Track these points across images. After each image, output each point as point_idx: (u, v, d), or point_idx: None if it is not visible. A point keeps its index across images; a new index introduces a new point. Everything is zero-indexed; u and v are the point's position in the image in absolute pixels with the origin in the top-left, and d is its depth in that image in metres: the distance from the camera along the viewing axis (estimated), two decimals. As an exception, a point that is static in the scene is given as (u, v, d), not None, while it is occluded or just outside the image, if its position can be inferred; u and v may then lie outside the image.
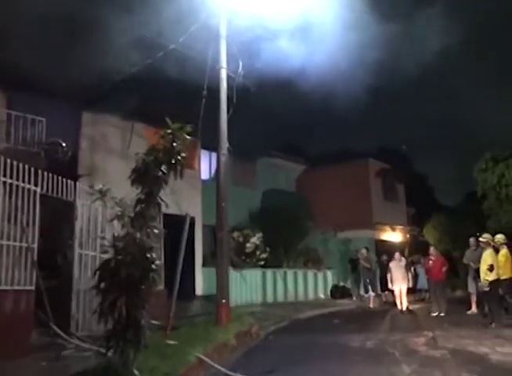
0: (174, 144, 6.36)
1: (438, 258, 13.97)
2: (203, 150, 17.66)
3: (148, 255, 6.25)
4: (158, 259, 12.83)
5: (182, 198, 14.09)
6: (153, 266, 6.25)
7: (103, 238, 7.91)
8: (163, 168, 6.42)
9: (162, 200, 6.53)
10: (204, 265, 16.53)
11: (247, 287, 16.85)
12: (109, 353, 5.92)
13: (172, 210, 13.00)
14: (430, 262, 13.92)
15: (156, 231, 6.36)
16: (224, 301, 10.31)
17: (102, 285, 6.07)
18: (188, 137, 6.48)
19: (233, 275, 16.25)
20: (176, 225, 10.58)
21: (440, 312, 13.03)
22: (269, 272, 17.91)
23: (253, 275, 17.19)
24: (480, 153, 18.76)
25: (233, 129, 18.16)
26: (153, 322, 8.25)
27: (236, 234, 17.30)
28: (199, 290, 15.98)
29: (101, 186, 6.59)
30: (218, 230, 10.76)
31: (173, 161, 6.33)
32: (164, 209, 13.30)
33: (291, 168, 24.19)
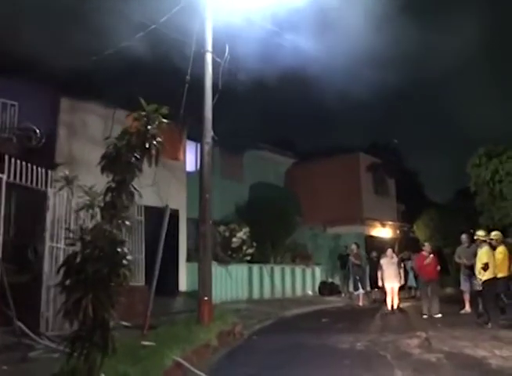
0: (149, 127, 5.78)
1: (432, 256, 13.31)
2: (189, 140, 17.00)
3: (118, 249, 5.64)
4: (139, 253, 12.39)
5: (166, 190, 13.52)
6: (124, 262, 5.65)
7: (69, 230, 7.29)
8: (136, 153, 5.83)
9: (135, 189, 5.93)
10: (188, 260, 15.92)
11: (233, 283, 16.32)
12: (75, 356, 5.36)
13: (155, 202, 12.47)
14: (427, 260, 13.01)
15: (127, 223, 5.75)
16: (206, 298, 9.73)
17: (68, 282, 5.51)
18: (164, 120, 5.89)
19: (218, 270, 15.74)
20: (159, 218, 10.01)
21: (435, 314, 12.29)
22: (256, 268, 17.39)
23: (239, 270, 16.66)
24: (470, 150, 18.43)
25: (221, 120, 17.57)
26: (124, 323, 7.70)
27: (222, 228, 16.77)
28: (182, 285, 15.39)
29: (67, 173, 5.99)
30: (201, 223, 10.19)
31: (147, 146, 5.74)
32: (146, 201, 12.74)
33: (280, 161, 23.64)
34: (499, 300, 10.46)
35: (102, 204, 5.82)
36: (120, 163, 5.82)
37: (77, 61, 11.24)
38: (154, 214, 11.41)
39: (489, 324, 9.98)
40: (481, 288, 10.71)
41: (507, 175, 16.81)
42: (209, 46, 10.39)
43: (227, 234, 16.65)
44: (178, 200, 15.10)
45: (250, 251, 16.98)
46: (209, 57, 10.35)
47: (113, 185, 5.85)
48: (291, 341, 9.18)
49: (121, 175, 5.84)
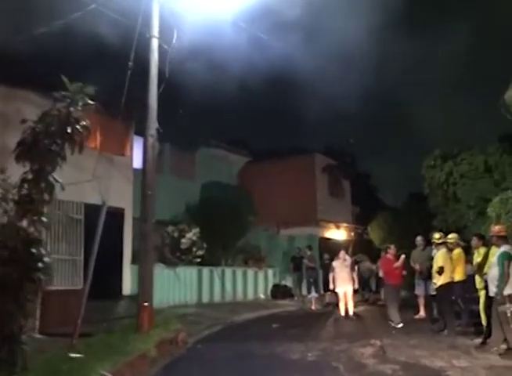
0: (72, 109, 5.03)
1: (403, 257, 12.09)
2: (138, 136, 16.07)
3: (33, 250, 4.88)
4: (77, 254, 11.45)
5: (110, 187, 12.60)
6: (40, 264, 4.89)
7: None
8: (57, 139, 5.08)
9: (56, 180, 5.16)
10: (134, 261, 15.01)
11: (181, 286, 15.53)
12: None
13: (98, 200, 11.51)
14: (397, 263, 11.69)
15: (44, 219, 4.98)
16: (146, 304, 8.95)
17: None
18: (90, 102, 5.16)
19: (166, 273, 14.98)
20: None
21: (399, 323, 10.90)
22: (206, 271, 16.64)
23: (188, 273, 15.87)
24: (423, 154, 18.31)
25: (172, 115, 16.70)
26: (37, 336, 6.90)
27: (170, 229, 15.94)
28: (127, 289, 14.44)
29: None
30: (143, 222, 9.40)
31: (69, 131, 4.99)
32: (87, 198, 11.82)
33: (234, 160, 22.93)
34: (456, 304, 10.10)
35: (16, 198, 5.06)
36: (38, 150, 5.07)
37: (10, 42, 10.29)
38: (97, 212, 10.52)
39: (445, 331, 9.58)
40: (435, 293, 10.34)
41: (461, 178, 16.65)
42: (155, 31, 9.63)
43: (176, 235, 15.84)
44: (123, 198, 14.19)
45: (200, 252, 16.21)
46: (155, 43, 9.60)
47: (30, 176, 5.09)
48: (239, 350, 8.52)
49: (39, 165, 5.08)
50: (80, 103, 5.01)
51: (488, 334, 8.14)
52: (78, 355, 6.73)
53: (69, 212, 11.28)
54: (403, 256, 12.08)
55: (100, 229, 8.39)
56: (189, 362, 8.01)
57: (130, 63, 9.20)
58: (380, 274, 14.88)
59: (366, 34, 15.59)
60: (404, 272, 12.28)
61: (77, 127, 4.98)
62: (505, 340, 7.49)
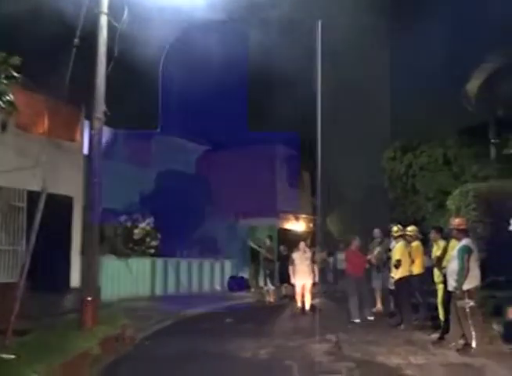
0: (-6, 81, 4.44)
1: (360, 250, 11.89)
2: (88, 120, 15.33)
3: None
4: (17, 245, 10.72)
5: (58, 174, 11.89)
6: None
7: None
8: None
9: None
10: (84, 252, 14.35)
11: (133, 278, 14.96)
12: None
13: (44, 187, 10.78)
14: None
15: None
16: (90, 298, 8.38)
17: None
18: (16, 74, 4.56)
19: (117, 265, 14.41)
20: (49, 205, 8.46)
21: (357, 318, 10.60)
22: (160, 262, 16.13)
23: (140, 265, 15.33)
24: (382, 147, 18.31)
25: (126, 102, 15.98)
26: None
27: (123, 218, 15.32)
28: (75, 281, 13.67)
29: None
30: (88, 211, 8.83)
31: (-10, 106, 4.40)
32: (31, 186, 11.04)
33: (192, 148, 22.35)
34: (413, 297, 9.92)
35: None
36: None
37: None
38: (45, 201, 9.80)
39: (402, 325, 9.38)
40: (393, 287, 10.14)
41: (421, 170, 16.69)
42: (104, 7, 8.98)
43: (129, 225, 15.24)
44: (72, 185, 13.41)
45: (154, 243, 15.68)
46: (104, 20, 8.95)
47: None
48: (188, 347, 8.07)
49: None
50: (3, 76, 4.40)
51: (447, 330, 7.94)
52: (10, 356, 6.16)
53: (10, 200, 10.53)
54: (378, 249, 11.90)
55: (39, 217, 7.76)
56: (134, 360, 7.52)
57: (76, 40, 8.55)
58: (342, 266, 14.72)
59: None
60: (367, 266, 12.02)
61: (0, 102, 4.38)
62: (463, 335, 7.31)
